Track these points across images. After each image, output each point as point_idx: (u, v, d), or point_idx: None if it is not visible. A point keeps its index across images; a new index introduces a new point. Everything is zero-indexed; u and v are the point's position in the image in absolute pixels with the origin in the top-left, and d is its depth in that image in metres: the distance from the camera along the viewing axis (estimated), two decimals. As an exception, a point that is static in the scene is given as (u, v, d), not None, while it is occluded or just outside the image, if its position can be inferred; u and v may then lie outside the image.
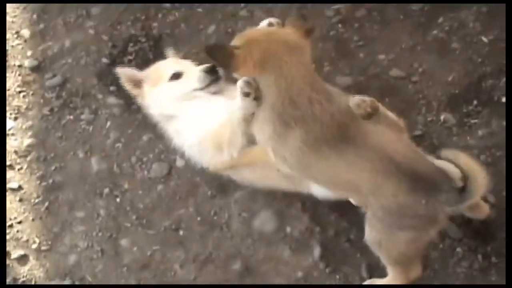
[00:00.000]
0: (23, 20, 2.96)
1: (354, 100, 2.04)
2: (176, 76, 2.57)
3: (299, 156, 2.12)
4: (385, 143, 2.05)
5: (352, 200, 2.30)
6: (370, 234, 2.12)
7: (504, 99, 2.60)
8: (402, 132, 2.18)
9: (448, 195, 1.96)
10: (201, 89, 2.50)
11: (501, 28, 2.74)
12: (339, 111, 2.07)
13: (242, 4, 2.90)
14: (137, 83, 2.60)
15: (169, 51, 2.78)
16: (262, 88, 2.11)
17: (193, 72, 2.52)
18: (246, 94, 2.09)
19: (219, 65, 2.29)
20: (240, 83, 2.09)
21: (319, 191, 2.36)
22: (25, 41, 2.92)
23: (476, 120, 2.58)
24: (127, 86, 2.61)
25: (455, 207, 2.02)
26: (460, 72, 2.70)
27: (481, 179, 1.96)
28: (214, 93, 2.53)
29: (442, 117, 2.61)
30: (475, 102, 2.62)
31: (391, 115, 2.21)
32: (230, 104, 2.35)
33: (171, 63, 2.65)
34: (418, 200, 1.97)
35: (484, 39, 2.75)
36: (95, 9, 2.95)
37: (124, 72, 2.61)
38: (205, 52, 2.16)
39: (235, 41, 2.09)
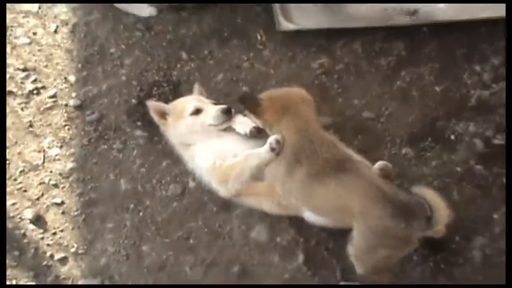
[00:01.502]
0: (70, 68, 3.03)
1: (380, 164, 2.26)
2: (197, 111, 2.57)
3: (304, 188, 2.23)
4: (374, 176, 2.19)
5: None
6: (352, 249, 2.23)
7: (452, 137, 2.73)
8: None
9: (420, 222, 2.05)
10: (215, 125, 2.55)
11: (451, 80, 2.90)
12: (340, 153, 2.25)
13: (245, 57, 2.99)
14: (162, 115, 2.64)
15: (196, 86, 2.78)
16: (281, 130, 2.26)
17: (211, 110, 2.55)
18: (273, 150, 2.23)
19: (248, 110, 2.34)
20: (271, 139, 2.24)
21: (311, 217, 2.43)
22: (71, 85, 2.99)
23: (430, 154, 2.71)
24: (154, 116, 2.65)
25: (424, 232, 2.13)
26: (418, 115, 2.81)
27: (444, 213, 2.06)
28: (225, 129, 2.55)
29: (403, 151, 2.71)
30: (429, 139, 2.74)
31: None
32: (250, 148, 2.39)
33: (193, 99, 2.65)
34: (398, 224, 2.06)
35: (437, 89, 2.89)
36: (128, 60, 3.03)
37: (152, 104, 2.66)
38: (238, 99, 2.33)
39: (262, 96, 2.31)
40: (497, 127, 2.74)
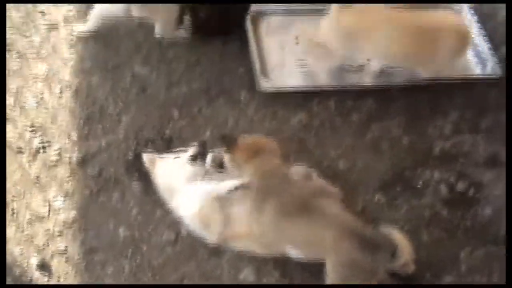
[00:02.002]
0: (72, 125, 3.08)
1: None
2: (179, 155, 2.74)
3: (274, 227, 2.33)
4: (342, 213, 2.29)
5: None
6: (328, 281, 2.31)
7: (420, 184, 2.84)
8: (338, 197, 2.50)
9: (384, 255, 2.19)
10: (192, 159, 2.67)
11: (416, 133, 3.03)
12: (307, 192, 2.36)
13: (231, 115, 3.08)
14: (154, 162, 2.77)
15: None
16: (248, 170, 2.41)
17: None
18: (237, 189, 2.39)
19: (224, 147, 2.48)
20: (237, 182, 2.39)
21: (291, 251, 2.46)
22: (74, 141, 3.04)
23: (400, 200, 2.81)
24: (146, 163, 2.79)
25: (389, 265, 2.25)
26: (388, 165, 2.92)
27: (406, 249, 2.24)
28: (205, 175, 2.65)
29: (376, 197, 2.82)
30: (399, 186, 2.86)
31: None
32: (211, 187, 2.51)
33: None
34: (365, 257, 2.17)
35: (404, 141, 3.03)
36: (125, 118, 3.11)
37: (146, 155, 2.80)
38: (221, 138, 2.51)
39: (240, 139, 2.49)
40: (459, 174, 2.89)
